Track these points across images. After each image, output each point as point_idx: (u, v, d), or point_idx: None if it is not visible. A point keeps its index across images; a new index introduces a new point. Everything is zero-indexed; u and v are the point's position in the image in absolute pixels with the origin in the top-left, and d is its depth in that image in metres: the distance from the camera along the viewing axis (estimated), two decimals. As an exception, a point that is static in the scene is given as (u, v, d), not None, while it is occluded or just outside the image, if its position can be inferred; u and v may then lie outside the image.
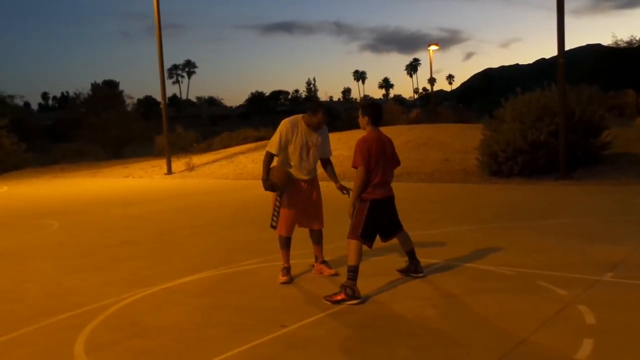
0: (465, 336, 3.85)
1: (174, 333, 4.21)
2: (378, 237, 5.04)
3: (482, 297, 4.65)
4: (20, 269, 6.64)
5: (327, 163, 5.66)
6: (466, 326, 4.04)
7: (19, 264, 6.92)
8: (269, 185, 5.37)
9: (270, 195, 5.61)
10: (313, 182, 5.57)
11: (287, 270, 5.50)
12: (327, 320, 4.30)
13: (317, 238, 5.65)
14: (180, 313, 4.67)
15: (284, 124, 5.43)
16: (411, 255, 5.29)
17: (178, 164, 20.64)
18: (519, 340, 3.70)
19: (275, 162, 5.50)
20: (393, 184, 5.05)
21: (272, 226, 5.52)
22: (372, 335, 3.96)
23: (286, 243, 5.54)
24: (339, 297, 4.64)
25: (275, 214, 5.46)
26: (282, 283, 5.38)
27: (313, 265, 5.76)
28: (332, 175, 5.57)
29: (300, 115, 5.50)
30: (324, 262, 5.68)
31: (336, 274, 5.51)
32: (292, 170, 5.43)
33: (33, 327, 4.47)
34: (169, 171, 19.65)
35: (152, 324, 4.44)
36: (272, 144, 5.44)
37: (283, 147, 5.41)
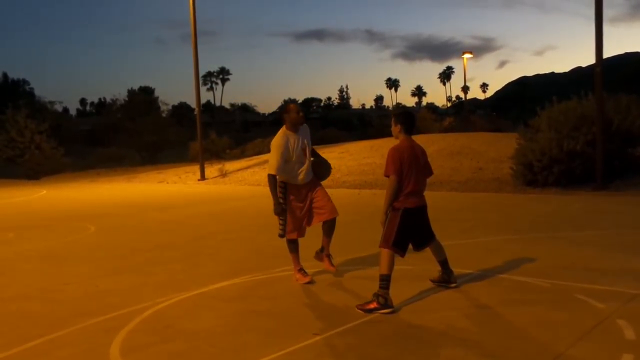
0: (499, 348, 3.81)
1: (208, 337, 4.27)
2: (410, 247, 5.03)
3: (517, 309, 4.59)
4: (60, 271, 6.82)
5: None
6: (501, 338, 4.00)
7: (59, 266, 7.11)
8: (281, 208, 5.53)
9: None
10: (311, 182, 5.67)
11: (303, 270, 5.67)
12: (359, 329, 4.30)
13: (328, 228, 5.68)
14: (215, 318, 4.74)
15: (279, 144, 5.46)
16: (444, 264, 5.25)
17: (211, 170, 20.89)
18: (555, 354, 3.65)
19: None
20: (426, 193, 5.03)
21: (280, 235, 5.66)
22: (404, 345, 3.95)
23: (295, 247, 5.70)
24: (372, 306, 4.64)
25: (282, 221, 5.60)
26: (306, 283, 5.55)
27: (316, 252, 5.84)
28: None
29: (282, 128, 5.59)
30: (329, 255, 5.77)
31: (333, 272, 5.72)
32: (290, 179, 5.57)
33: (72, 329, 4.59)
34: (202, 177, 19.89)
35: (186, 327, 4.51)
36: (273, 166, 5.45)
37: (283, 165, 5.47)
